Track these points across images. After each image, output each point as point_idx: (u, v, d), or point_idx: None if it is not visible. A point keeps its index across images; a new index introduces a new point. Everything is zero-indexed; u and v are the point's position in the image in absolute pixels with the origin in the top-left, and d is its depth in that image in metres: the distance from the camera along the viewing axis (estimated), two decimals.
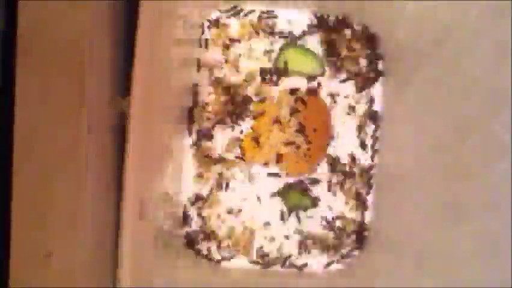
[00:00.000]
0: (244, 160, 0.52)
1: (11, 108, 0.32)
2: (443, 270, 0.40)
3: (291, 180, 0.52)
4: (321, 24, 0.52)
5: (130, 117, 0.34)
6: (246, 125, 0.52)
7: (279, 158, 0.52)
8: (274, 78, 0.51)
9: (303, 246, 0.52)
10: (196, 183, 0.51)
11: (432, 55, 0.44)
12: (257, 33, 0.51)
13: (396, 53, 0.50)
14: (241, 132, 0.52)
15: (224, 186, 0.51)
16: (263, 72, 0.51)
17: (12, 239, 0.32)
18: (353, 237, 0.52)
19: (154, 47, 0.36)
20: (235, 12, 0.51)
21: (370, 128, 0.52)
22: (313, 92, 0.52)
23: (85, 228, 0.34)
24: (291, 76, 0.52)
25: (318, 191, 0.52)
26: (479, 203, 0.38)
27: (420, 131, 0.46)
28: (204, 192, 0.51)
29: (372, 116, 0.52)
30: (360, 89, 0.52)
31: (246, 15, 0.51)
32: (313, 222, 0.52)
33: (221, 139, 0.51)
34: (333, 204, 0.52)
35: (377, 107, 0.52)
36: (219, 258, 0.51)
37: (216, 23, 0.51)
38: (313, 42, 0.52)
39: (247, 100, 0.51)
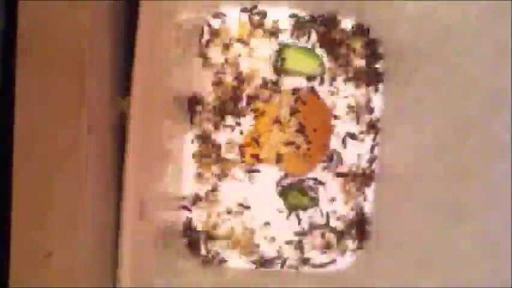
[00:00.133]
0: (244, 160, 0.52)
1: (11, 108, 0.32)
2: (443, 270, 0.40)
3: (291, 180, 0.52)
4: (321, 24, 0.52)
5: (130, 117, 0.34)
6: (246, 125, 0.52)
7: (279, 158, 0.52)
8: (274, 78, 0.51)
9: (303, 246, 0.52)
10: (196, 183, 0.51)
11: (432, 55, 0.44)
12: (257, 33, 0.51)
13: (396, 53, 0.50)
14: (241, 132, 0.52)
15: (224, 186, 0.51)
16: (264, 79, 0.51)
17: (12, 239, 0.32)
18: (353, 237, 0.52)
19: (154, 47, 0.36)
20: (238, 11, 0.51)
21: (370, 128, 0.52)
22: (313, 92, 0.52)
23: (85, 228, 0.34)
24: (291, 76, 0.52)
25: (318, 191, 0.52)
26: (479, 203, 0.38)
27: (420, 131, 0.46)
28: (204, 192, 0.51)
29: (372, 116, 0.52)
30: (360, 89, 0.52)
31: (251, 13, 0.51)
32: (313, 222, 0.52)
33: (221, 139, 0.51)
34: (333, 204, 0.52)
35: (377, 107, 0.52)
36: (219, 258, 0.51)
37: (215, 23, 0.51)
38: (313, 42, 0.52)
39: (247, 100, 0.51)
